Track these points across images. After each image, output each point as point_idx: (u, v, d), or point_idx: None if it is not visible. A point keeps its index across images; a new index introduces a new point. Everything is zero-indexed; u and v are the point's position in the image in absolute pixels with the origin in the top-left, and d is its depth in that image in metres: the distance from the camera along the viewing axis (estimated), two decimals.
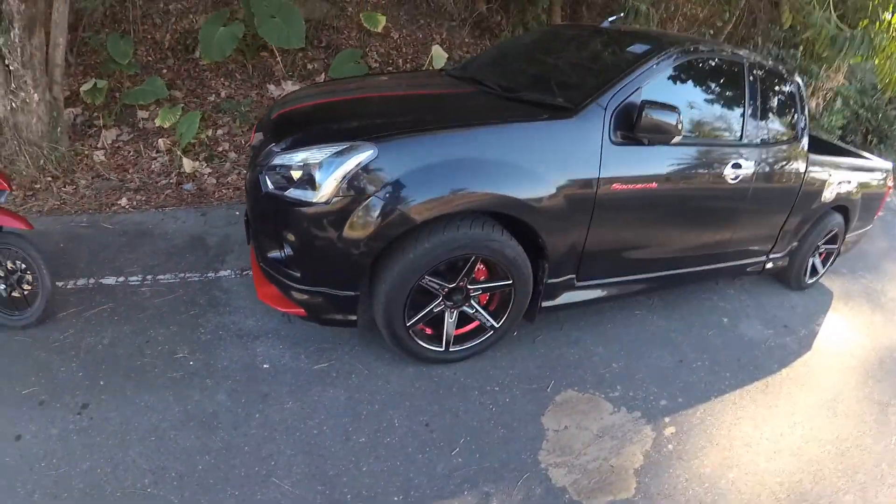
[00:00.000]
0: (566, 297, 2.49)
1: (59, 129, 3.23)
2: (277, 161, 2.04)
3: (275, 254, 2.12)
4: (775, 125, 2.84)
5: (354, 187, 1.92)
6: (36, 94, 3.00)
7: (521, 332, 2.65)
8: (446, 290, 2.21)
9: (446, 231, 2.04)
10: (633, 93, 2.26)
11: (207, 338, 2.37)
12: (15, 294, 2.19)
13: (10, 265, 2.17)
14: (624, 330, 2.81)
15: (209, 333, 2.39)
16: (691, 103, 2.49)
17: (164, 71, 4.48)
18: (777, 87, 2.90)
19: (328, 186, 1.91)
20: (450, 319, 2.30)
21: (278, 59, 4.92)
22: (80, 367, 2.12)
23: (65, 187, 3.25)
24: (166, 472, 1.78)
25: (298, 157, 1.99)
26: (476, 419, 2.14)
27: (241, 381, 2.16)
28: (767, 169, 2.77)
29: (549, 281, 2.37)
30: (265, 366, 2.26)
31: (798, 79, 2.99)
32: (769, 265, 3.20)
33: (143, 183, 3.58)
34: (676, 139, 2.26)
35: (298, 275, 2.08)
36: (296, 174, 1.97)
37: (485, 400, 2.24)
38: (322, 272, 2.05)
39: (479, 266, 2.30)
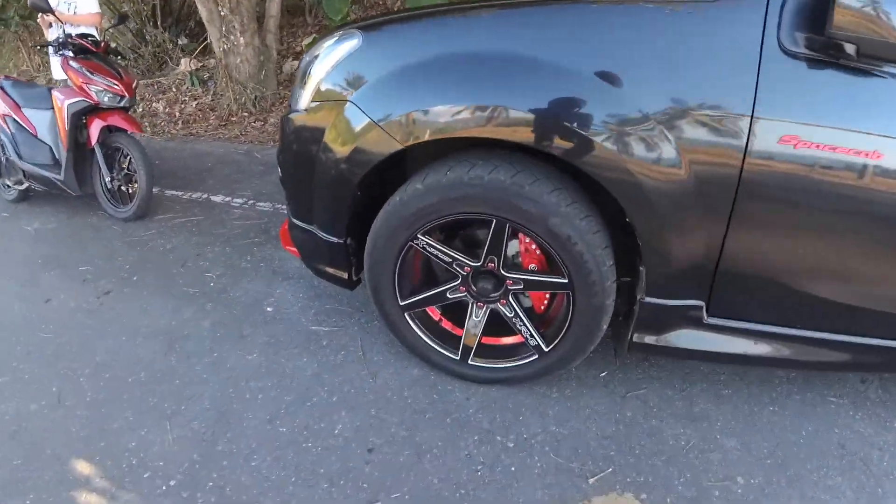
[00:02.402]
0: (684, 339, 1.50)
1: (263, 72, 3.83)
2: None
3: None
4: None
5: (332, 90, 1.53)
6: (243, 39, 3.62)
7: (614, 376, 1.76)
8: (468, 269, 1.59)
9: (451, 171, 1.44)
10: None
11: (245, 266, 2.36)
12: (123, 189, 2.64)
13: (124, 164, 2.62)
14: (797, 421, 1.55)
15: (250, 263, 2.38)
16: None
17: None
18: None
19: (309, 88, 1.59)
20: (475, 317, 1.66)
21: None
22: (133, 261, 2.39)
23: (254, 123, 3.86)
24: (105, 370, 1.83)
25: (307, 57, 1.72)
26: (443, 475, 1.45)
27: (235, 316, 2.05)
28: None
29: (650, 300, 1.46)
30: (269, 309, 2.10)
31: None
32: None
33: None
34: None
35: (290, 203, 1.83)
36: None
37: (479, 454, 1.52)
38: (304, 203, 1.73)
39: (533, 247, 1.59)
